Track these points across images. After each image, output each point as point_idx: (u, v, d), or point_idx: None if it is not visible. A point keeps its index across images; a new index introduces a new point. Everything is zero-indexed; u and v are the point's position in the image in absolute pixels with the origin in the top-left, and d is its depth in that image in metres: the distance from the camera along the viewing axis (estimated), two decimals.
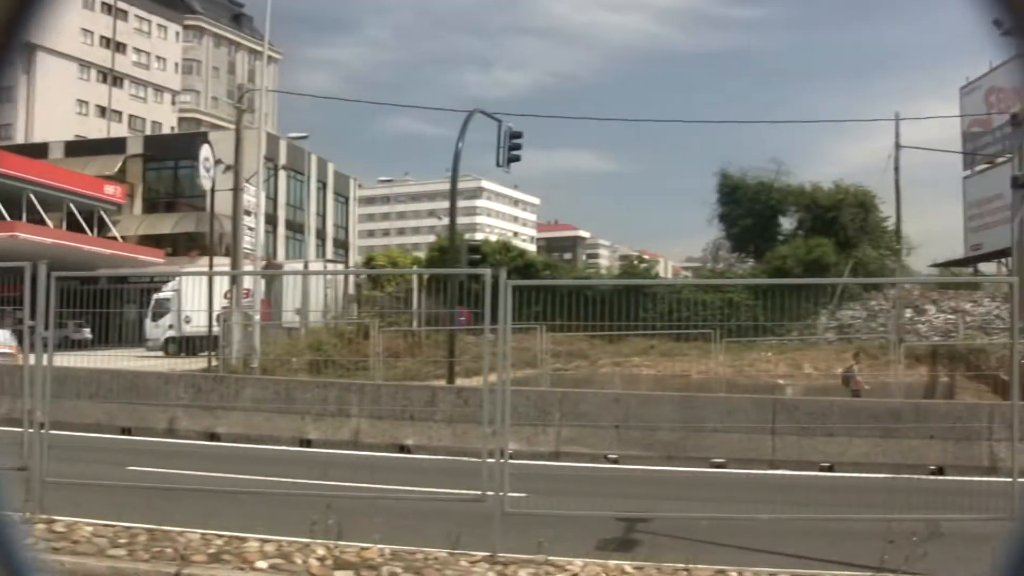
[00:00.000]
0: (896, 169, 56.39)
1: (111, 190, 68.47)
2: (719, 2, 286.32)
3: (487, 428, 13.45)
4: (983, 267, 60.60)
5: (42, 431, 13.58)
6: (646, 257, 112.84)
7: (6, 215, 55.75)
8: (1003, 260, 52.85)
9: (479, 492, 12.76)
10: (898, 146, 55.40)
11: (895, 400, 26.28)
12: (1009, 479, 12.95)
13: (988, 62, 56.98)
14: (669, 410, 22.23)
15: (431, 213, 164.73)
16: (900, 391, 30.94)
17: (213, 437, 23.29)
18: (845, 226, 55.82)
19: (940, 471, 19.45)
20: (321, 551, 11.15)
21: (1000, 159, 52.04)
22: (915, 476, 17.16)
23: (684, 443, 21.31)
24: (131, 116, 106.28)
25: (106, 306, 22.60)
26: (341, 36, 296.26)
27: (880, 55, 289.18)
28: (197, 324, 33.62)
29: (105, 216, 67.50)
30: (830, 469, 20.00)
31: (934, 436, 20.42)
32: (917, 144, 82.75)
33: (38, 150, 74.69)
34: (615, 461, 20.90)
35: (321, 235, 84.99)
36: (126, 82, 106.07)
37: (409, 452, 22.05)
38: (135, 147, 77.29)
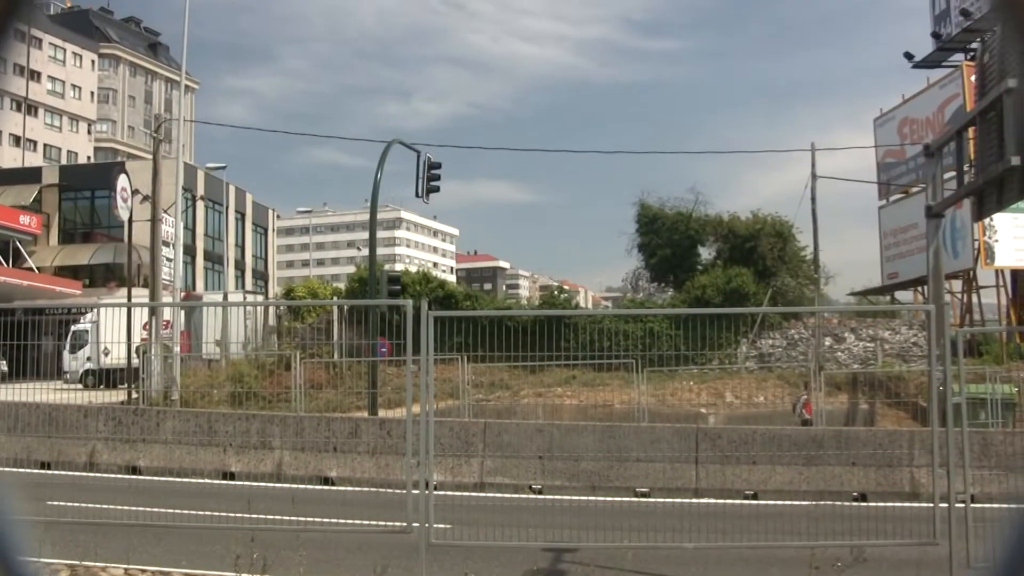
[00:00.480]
0: (813, 199, 56.97)
1: (26, 220, 67.66)
2: (634, 34, 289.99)
3: (411, 459, 13.42)
4: (900, 295, 61.41)
5: None
6: (566, 287, 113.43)
7: None
8: (919, 288, 53.61)
9: (404, 524, 12.71)
10: (814, 176, 56.01)
11: (817, 428, 26.58)
12: (930, 504, 13.12)
13: (901, 94, 58.06)
14: (593, 440, 22.28)
15: (350, 244, 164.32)
16: (821, 419, 31.28)
17: (134, 470, 23.00)
18: (763, 256, 56.30)
19: (863, 497, 19.66)
20: None
21: (914, 189, 52.81)
22: (838, 503, 17.32)
23: (608, 473, 21.39)
24: (46, 145, 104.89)
25: (22, 338, 22.14)
26: (258, 66, 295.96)
27: (794, 87, 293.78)
28: (116, 356, 33.24)
29: (21, 247, 66.67)
30: (754, 497, 20.17)
31: (856, 463, 20.67)
32: (833, 174, 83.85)
33: None
34: (539, 491, 20.91)
35: (240, 266, 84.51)
36: (41, 111, 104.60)
37: (333, 484, 21.92)
38: (51, 177, 76.52)
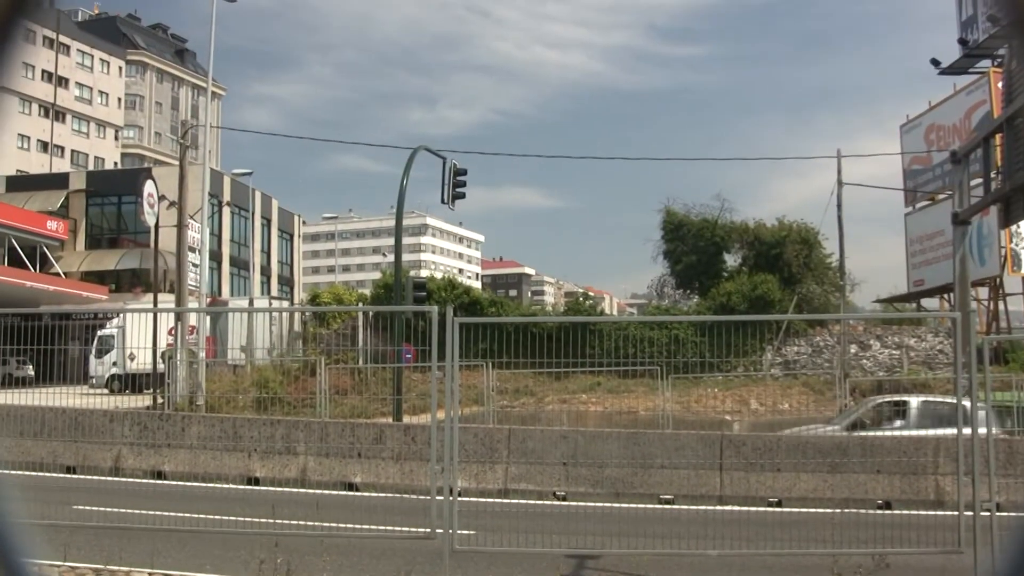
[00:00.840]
0: (838, 206, 56.93)
1: (53, 226, 67.97)
2: (660, 41, 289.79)
3: (435, 465, 13.41)
4: (926, 302, 61.22)
5: None
6: (591, 294, 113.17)
7: None
8: (946, 295, 53.44)
9: (428, 530, 12.72)
10: (840, 183, 55.93)
11: (842, 435, 26.44)
12: (955, 512, 13.06)
13: (927, 101, 57.88)
14: (617, 447, 22.19)
15: (376, 250, 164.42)
16: None
17: (159, 475, 23.03)
18: (789, 262, 56.28)
19: (887, 505, 19.53)
20: None
21: (941, 196, 52.67)
22: (862, 510, 17.23)
23: (632, 479, 21.31)
24: (73, 151, 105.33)
25: (49, 343, 22.21)
26: (284, 73, 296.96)
27: (819, 93, 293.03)
28: (142, 361, 33.34)
29: (48, 252, 66.99)
30: (778, 504, 20.07)
31: (881, 470, 20.54)
32: (859, 181, 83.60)
33: None
34: (563, 498, 20.85)
35: (266, 272, 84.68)
36: (68, 117, 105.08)
37: (357, 490, 21.90)
38: (78, 182, 76.85)
